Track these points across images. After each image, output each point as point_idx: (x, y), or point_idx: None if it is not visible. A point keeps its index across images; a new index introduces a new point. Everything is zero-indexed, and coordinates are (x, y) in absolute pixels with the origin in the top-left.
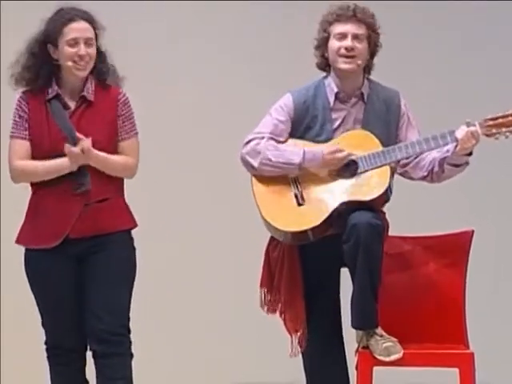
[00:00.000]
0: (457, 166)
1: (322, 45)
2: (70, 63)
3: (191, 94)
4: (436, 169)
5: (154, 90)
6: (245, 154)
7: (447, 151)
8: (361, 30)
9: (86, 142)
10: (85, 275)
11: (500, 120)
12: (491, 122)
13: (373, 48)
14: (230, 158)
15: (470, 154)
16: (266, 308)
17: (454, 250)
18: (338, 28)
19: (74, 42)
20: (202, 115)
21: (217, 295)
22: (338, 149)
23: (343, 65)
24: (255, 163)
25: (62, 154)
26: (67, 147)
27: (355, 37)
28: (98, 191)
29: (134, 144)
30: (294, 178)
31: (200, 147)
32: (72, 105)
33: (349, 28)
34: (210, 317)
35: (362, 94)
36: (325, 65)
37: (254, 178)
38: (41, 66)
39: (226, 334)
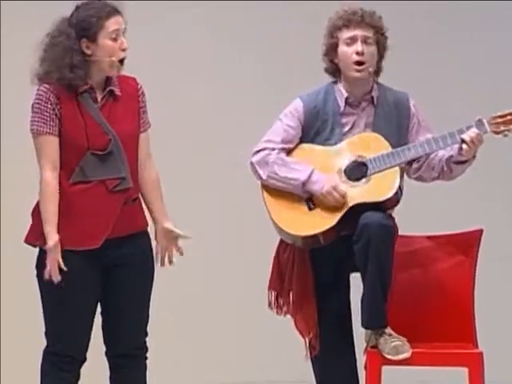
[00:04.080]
0: (463, 162)
1: (331, 50)
2: (114, 58)
3: (200, 93)
4: (445, 168)
5: (160, 89)
6: (255, 162)
7: (451, 149)
8: (369, 34)
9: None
10: (114, 283)
11: (509, 117)
12: (500, 120)
13: (381, 51)
14: (238, 157)
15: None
16: (275, 310)
17: (463, 248)
18: (347, 33)
19: (116, 35)
20: (210, 115)
21: (223, 296)
22: (337, 188)
23: (355, 73)
24: (263, 175)
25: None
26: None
27: (364, 41)
28: (135, 189)
29: (148, 136)
30: None
31: (208, 146)
32: (99, 98)
33: (358, 32)
34: (215, 317)
35: (372, 97)
36: (334, 70)
37: (263, 185)
38: (82, 62)
39: (234, 334)
